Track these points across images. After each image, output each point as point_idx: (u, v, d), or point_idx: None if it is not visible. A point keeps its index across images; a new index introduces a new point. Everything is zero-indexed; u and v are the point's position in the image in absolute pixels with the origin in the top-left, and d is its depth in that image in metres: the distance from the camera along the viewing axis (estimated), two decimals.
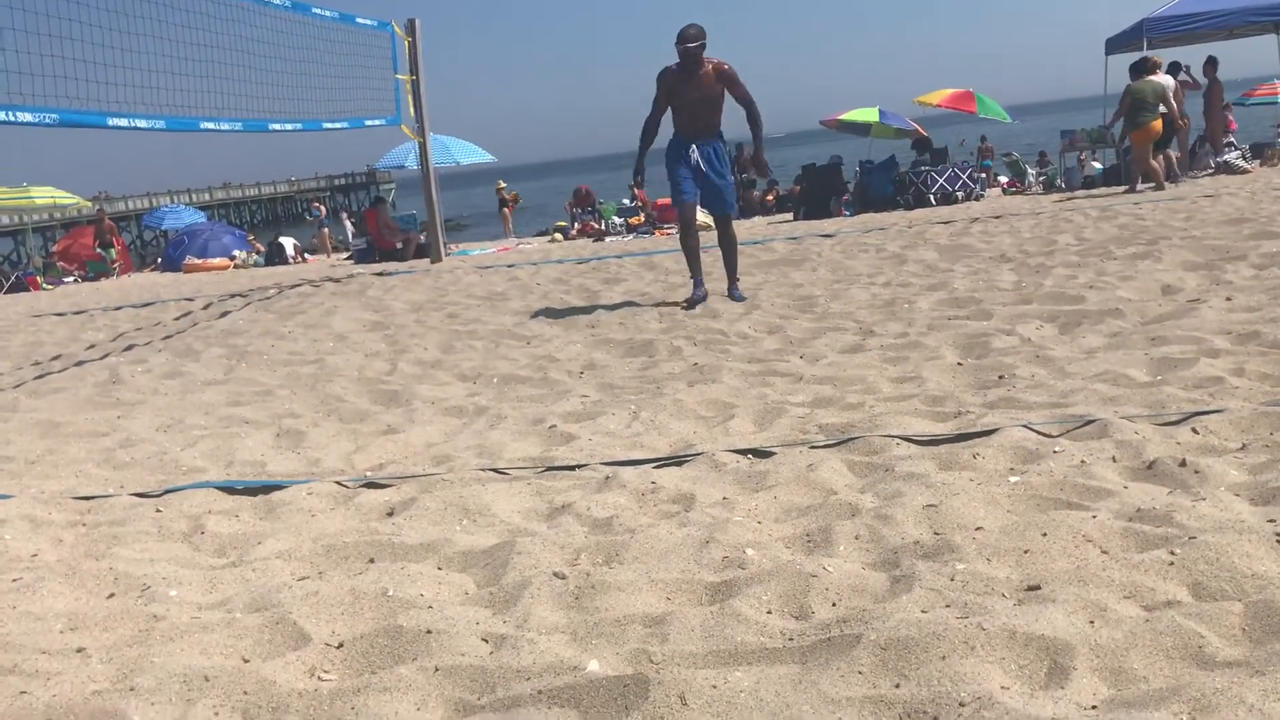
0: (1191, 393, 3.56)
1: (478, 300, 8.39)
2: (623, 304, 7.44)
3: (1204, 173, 15.63)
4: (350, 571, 2.70)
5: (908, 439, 3.28)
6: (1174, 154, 14.55)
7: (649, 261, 10.34)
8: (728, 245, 7.41)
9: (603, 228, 18.49)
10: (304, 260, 18.83)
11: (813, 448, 3.30)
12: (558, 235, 18.31)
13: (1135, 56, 15.72)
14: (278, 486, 3.52)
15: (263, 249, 19.63)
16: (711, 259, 8.25)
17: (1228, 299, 5.25)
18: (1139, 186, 13.22)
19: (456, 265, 12.07)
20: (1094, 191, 14.66)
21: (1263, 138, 19.54)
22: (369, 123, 11.21)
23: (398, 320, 7.63)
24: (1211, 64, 16.36)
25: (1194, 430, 3.07)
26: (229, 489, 3.56)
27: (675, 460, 3.36)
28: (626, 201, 23.09)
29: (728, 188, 7.42)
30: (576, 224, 19.25)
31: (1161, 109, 13.21)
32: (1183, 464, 2.71)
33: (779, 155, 41.28)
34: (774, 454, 3.30)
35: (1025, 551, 2.34)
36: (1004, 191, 17.64)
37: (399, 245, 15.59)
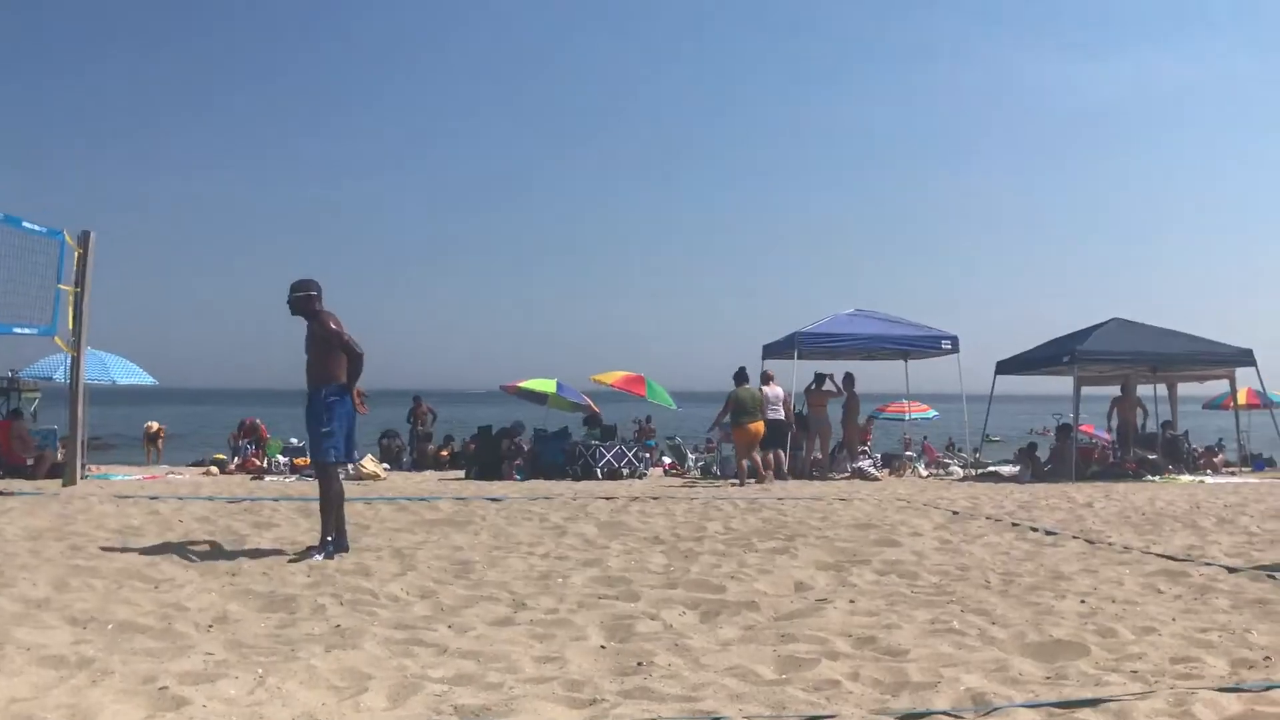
0: (811, 694, 3.74)
1: (108, 533, 7.72)
2: (271, 552, 7.06)
3: (841, 476, 17.07)
4: None
5: None
6: (783, 454, 16.33)
7: (306, 508, 9.94)
8: (320, 498, 7.18)
9: (265, 465, 17.74)
10: None
11: None
12: (213, 468, 17.39)
13: (794, 364, 17.43)
14: None
15: None
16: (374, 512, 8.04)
17: (851, 601, 5.63)
18: (745, 479, 14.95)
19: (92, 491, 11.14)
20: (745, 482, 15.59)
21: (892, 449, 21.76)
22: (19, 330, 10.41)
23: (9, 548, 6.86)
24: (849, 380, 18.23)
25: None
26: None
27: None
28: (294, 440, 22.32)
29: (317, 436, 7.08)
30: (237, 458, 18.38)
31: (774, 412, 15.82)
32: None
33: (464, 412, 41.54)
34: None
35: None
36: (665, 472, 18.49)
37: (30, 462, 14.25)
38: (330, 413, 7.04)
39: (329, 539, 7.01)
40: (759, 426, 15.35)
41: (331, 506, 7.10)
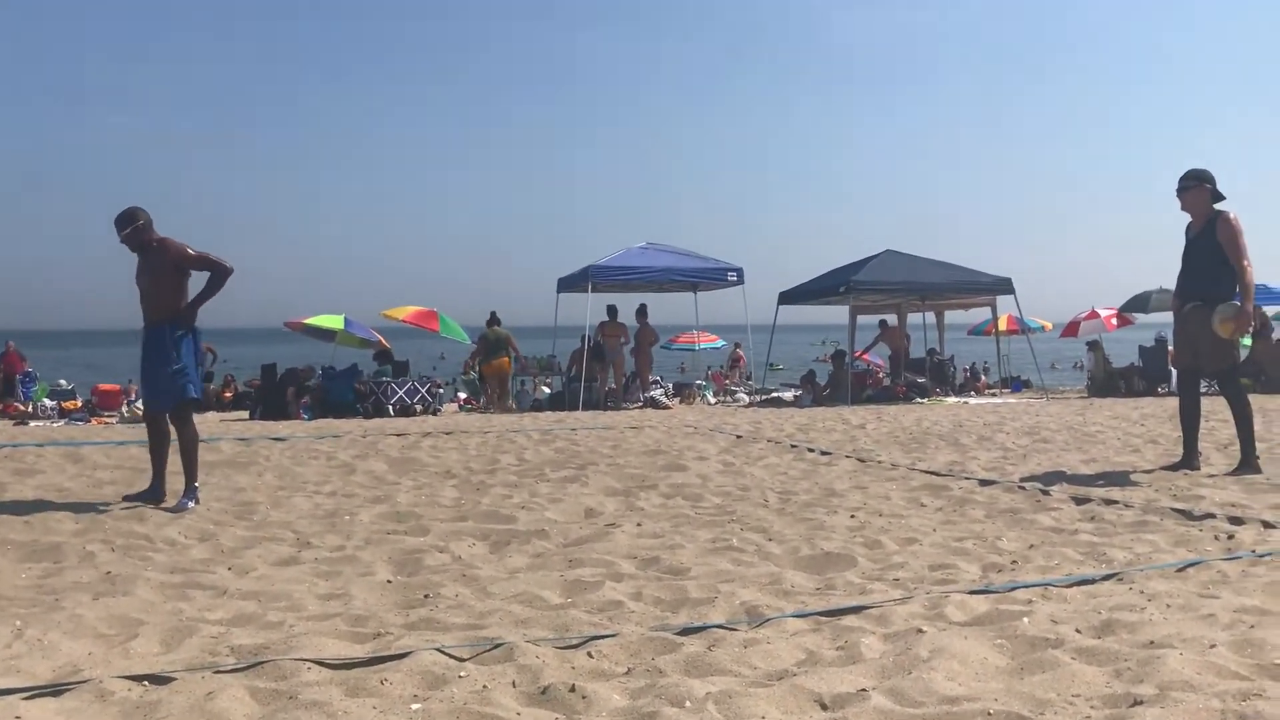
0: (594, 616, 3.84)
1: None
2: (34, 501, 6.66)
3: (634, 405, 17.38)
4: None
5: (320, 662, 3.19)
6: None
7: (75, 453, 9.42)
8: (180, 443, 6.77)
9: (29, 409, 16.67)
10: None
11: (217, 672, 3.10)
12: None
13: (588, 297, 17.66)
14: None
15: None
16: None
17: (638, 525, 5.78)
18: (493, 408, 17.27)
19: None
20: (539, 414, 15.73)
21: (681, 379, 22.28)
22: None
23: None
24: (642, 311, 18.55)
25: (589, 654, 3.29)
26: None
27: (52, 689, 2.99)
28: (63, 383, 21.06)
29: (164, 378, 6.70)
30: None
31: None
32: (572, 689, 2.88)
33: (247, 350, 39.99)
34: (174, 680, 3.05)
35: None
36: (460, 408, 18.40)
37: None
38: (179, 348, 6.69)
39: (195, 485, 6.70)
40: (505, 362, 17.74)
41: (194, 449, 6.77)
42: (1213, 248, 7.23)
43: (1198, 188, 7.36)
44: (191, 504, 6.55)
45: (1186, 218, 7.53)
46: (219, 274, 6.72)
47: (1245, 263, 7.11)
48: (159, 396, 6.84)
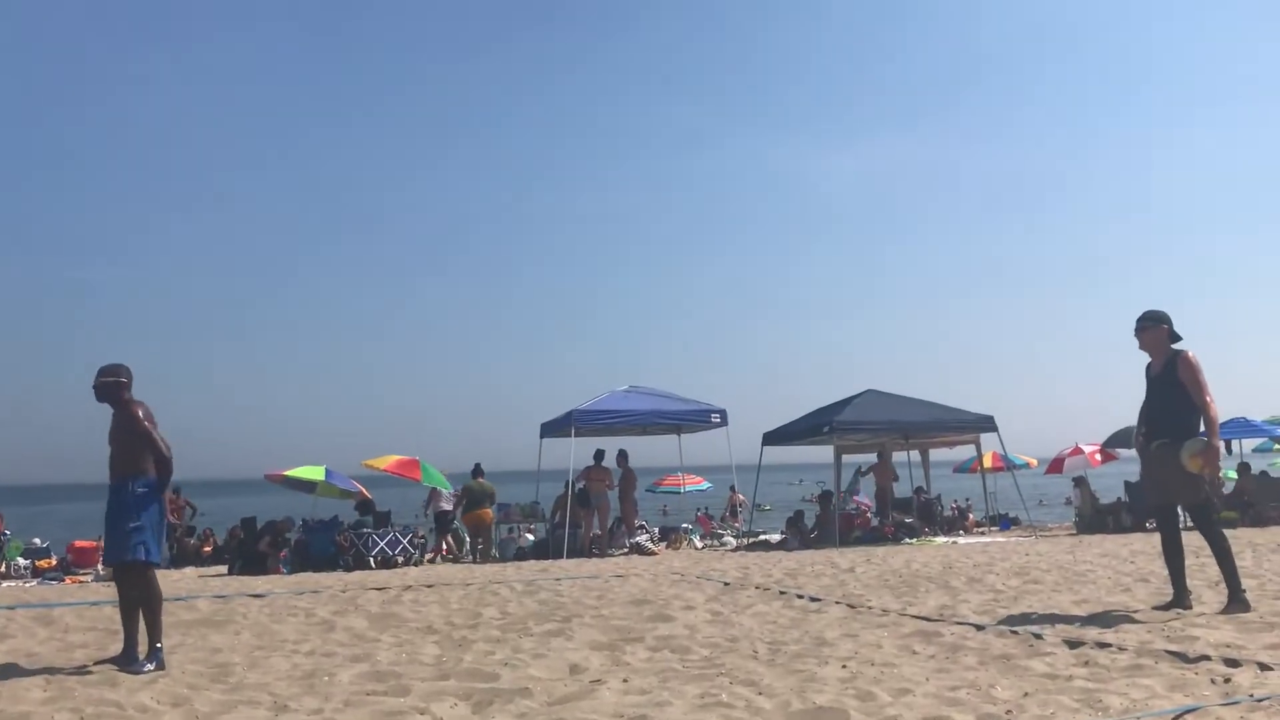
0: None
1: None
2: (2, 667, 6.47)
3: (619, 551, 17.20)
4: None
5: None
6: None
7: (46, 615, 9.19)
8: (125, 603, 6.64)
9: (2, 569, 16.36)
10: None
11: None
12: None
13: (571, 442, 17.59)
14: None
15: None
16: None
17: (625, 680, 5.63)
18: (477, 558, 17.70)
19: None
20: (523, 563, 15.53)
21: (665, 522, 22.10)
22: None
23: None
24: (623, 456, 18.52)
25: None
26: None
27: None
28: (37, 541, 20.74)
29: (120, 534, 6.54)
30: None
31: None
32: None
33: (226, 502, 39.57)
34: None
35: None
36: (441, 558, 18.16)
37: None
38: (140, 507, 6.57)
39: (159, 645, 6.48)
40: (487, 513, 18.13)
41: (153, 606, 6.56)
42: (1174, 385, 7.35)
43: (1155, 328, 7.53)
44: (150, 666, 6.32)
45: (1145, 357, 7.68)
46: (161, 464, 6.65)
47: (1208, 399, 7.23)
48: (114, 550, 6.70)
